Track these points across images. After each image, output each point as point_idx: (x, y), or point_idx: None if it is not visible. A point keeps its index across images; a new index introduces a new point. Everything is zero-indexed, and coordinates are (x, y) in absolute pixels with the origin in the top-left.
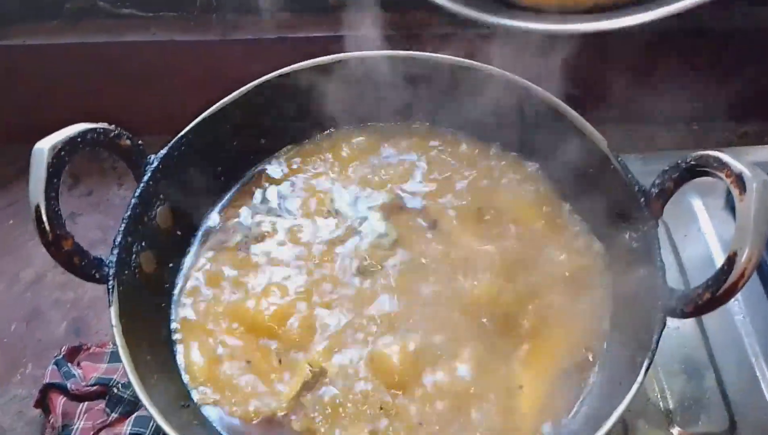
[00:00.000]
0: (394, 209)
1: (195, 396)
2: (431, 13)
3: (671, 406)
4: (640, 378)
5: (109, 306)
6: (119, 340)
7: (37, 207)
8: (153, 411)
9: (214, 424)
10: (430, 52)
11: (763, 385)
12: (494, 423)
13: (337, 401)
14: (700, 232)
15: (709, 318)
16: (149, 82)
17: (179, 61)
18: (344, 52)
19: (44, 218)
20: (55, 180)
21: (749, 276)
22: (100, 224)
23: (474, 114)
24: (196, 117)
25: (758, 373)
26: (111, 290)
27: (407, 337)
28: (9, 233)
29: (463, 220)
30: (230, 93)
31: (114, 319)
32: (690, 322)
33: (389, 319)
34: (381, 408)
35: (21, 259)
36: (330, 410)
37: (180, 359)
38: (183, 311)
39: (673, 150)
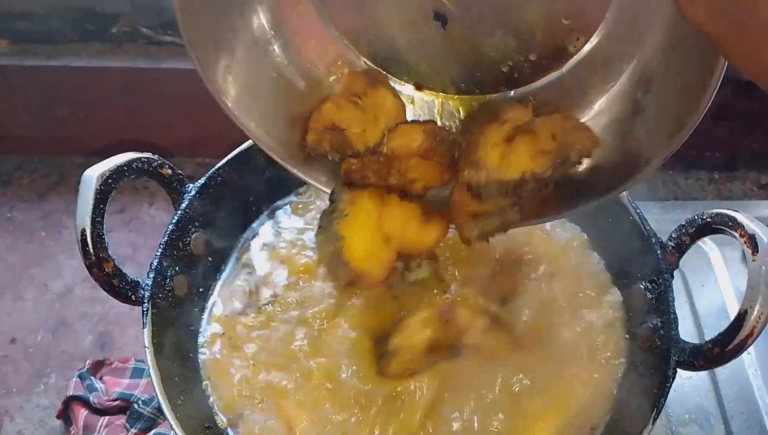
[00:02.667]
0: None
1: (218, 420)
2: None
3: None
4: (649, 428)
5: (143, 327)
6: (150, 361)
7: (83, 231)
8: (178, 431)
9: None
10: None
11: None
12: None
13: None
14: (716, 283)
15: (721, 369)
16: (184, 108)
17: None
18: None
19: (89, 241)
20: (102, 205)
21: (758, 334)
22: (130, 242)
23: None
24: (229, 144)
25: (767, 426)
26: (146, 313)
27: None
28: (41, 244)
29: None
30: None
31: (147, 341)
32: (702, 373)
33: None
34: None
35: (51, 270)
36: None
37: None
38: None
39: (694, 200)
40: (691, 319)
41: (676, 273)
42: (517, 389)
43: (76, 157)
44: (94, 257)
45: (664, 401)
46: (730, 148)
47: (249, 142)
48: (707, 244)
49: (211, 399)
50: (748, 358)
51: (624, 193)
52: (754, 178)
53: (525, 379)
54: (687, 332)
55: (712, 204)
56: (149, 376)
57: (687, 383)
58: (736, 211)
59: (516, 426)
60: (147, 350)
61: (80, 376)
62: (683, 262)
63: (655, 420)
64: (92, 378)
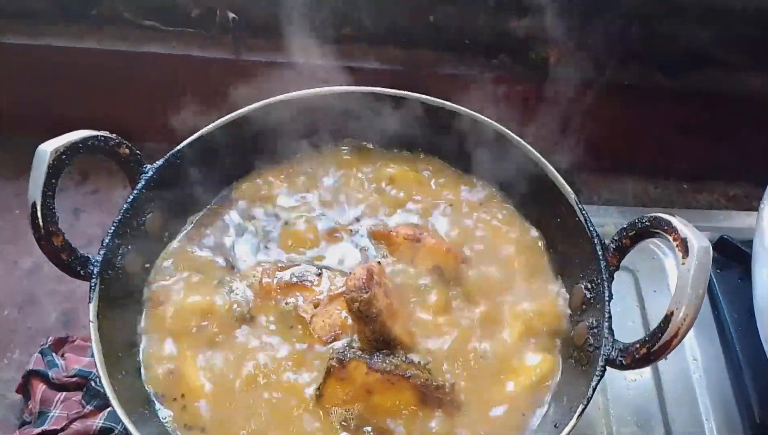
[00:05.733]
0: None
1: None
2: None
3: None
4: (572, 422)
5: (89, 302)
6: (93, 335)
7: (34, 204)
8: (114, 402)
9: (165, 424)
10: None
11: None
12: None
13: None
14: (668, 289)
15: (666, 374)
16: (161, 92)
17: (192, 75)
18: (347, 83)
19: (39, 214)
20: (54, 180)
21: (683, 335)
22: (101, 222)
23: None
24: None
25: (707, 432)
26: (93, 287)
27: None
28: (14, 222)
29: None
30: (233, 111)
31: (92, 315)
32: (648, 377)
33: None
34: None
35: (22, 248)
36: None
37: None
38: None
39: (659, 207)
40: (640, 323)
41: (629, 277)
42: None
43: (54, 137)
44: (43, 231)
45: (590, 397)
46: (699, 160)
47: (209, 127)
48: (662, 249)
49: (146, 375)
50: (693, 364)
51: (573, 196)
52: (721, 189)
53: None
54: (636, 336)
55: (676, 212)
56: None
57: (632, 386)
58: (673, 215)
59: None
60: (91, 324)
61: (42, 352)
62: (637, 266)
63: (579, 417)
64: (54, 354)
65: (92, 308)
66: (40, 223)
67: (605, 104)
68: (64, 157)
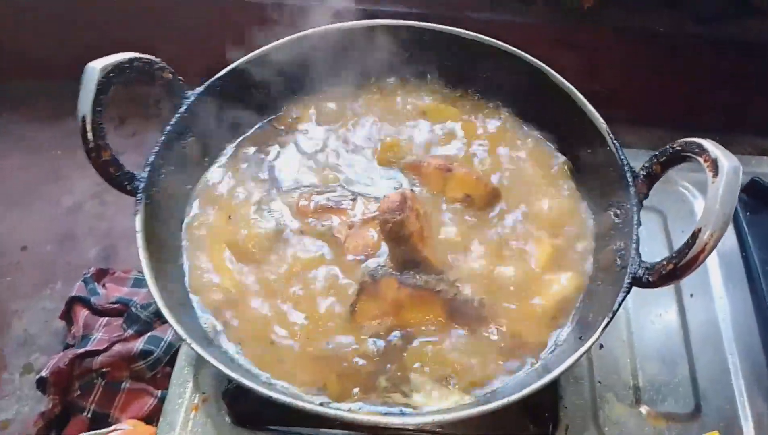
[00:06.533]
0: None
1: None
2: None
3: (641, 385)
4: (597, 334)
5: (135, 214)
6: (140, 242)
7: (84, 118)
8: (158, 299)
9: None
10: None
11: (732, 378)
12: None
13: None
14: None
15: (692, 312)
16: (200, 36)
17: (223, 15)
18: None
19: (88, 128)
20: (102, 96)
21: (709, 251)
22: (139, 163)
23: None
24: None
25: (730, 367)
26: (139, 201)
27: None
28: (56, 162)
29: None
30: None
31: (138, 225)
32: (673, 313)
33: None
34: None
35: (64, 187)
36: None
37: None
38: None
39: None
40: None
41: (658, 218)
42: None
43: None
44: (93, 144)
45: (615, 311)
46: (730, 112)
47: (244, 59)
48: (691, 191)
49: (188, 283)
50: (721, 305)
51: (604, 126)
52: (752, 141)
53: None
54: None
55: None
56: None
57: (658, 322)
58: (704, 139)
59: None
60: (138, 233)
61: (84, 281)
62: (667, 208)
63: (605, 328)
64: (95, 283)
65: (138, 220)
66: (90, 137)
67: (636, 52)
68: (111, 74)
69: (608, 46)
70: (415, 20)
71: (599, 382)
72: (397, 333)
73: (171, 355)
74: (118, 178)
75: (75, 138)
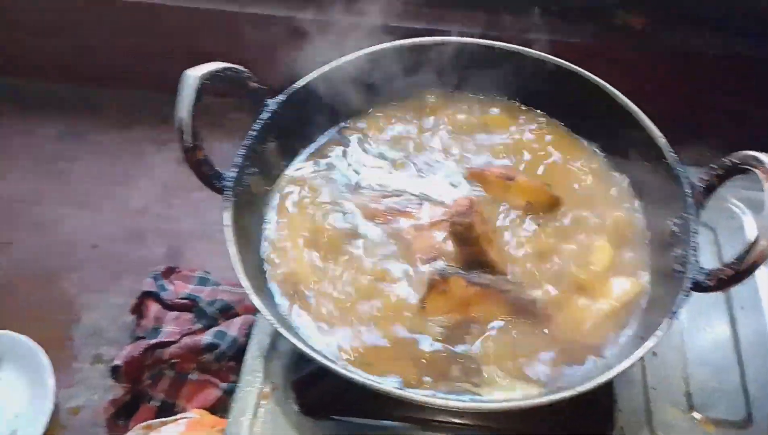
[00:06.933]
0: None
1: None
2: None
3: (693, 392)
4: (659, 334)
5: (224, 210)
6: (229, 235)
7: (181, 120)
8: (246, 284)
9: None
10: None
11: None
12: None
13: None
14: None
15: (743, 322)
16: (261, 51)
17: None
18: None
19: (186, 130)
20: (197, 102)
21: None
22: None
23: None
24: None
25: None
26: (228, 197)
27: None
28: (124, 167)
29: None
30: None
31: (227, 220)
32: (724, 323)
33: None
34: None
35: (132, 189)
36: None
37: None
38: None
39: None
40: None
41: (708, 233)
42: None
43: (162, 92)
44: (190, 144)
45: (676, 313)
46: None
47: (320, 70)
48: (740, 207)
49: (268, 274)
50: None
51: (663, 140)
52: None
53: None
54: None
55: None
56: (213, 284)
57: (709, 331)
58: (761, 153)
59: None
60: (226, 228)
61: (154, 277)
62: (717, 224)
63: (667, 329)
64: (164, 280)
65: (226, 215)
66: (188, 138)
67: (686, 72)
68: (207, 82)
69: (658, 65)
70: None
71: (653, 388)
72: (467, 327)
73: (235, 349)
74: (209, 177)
75: (141, 144)
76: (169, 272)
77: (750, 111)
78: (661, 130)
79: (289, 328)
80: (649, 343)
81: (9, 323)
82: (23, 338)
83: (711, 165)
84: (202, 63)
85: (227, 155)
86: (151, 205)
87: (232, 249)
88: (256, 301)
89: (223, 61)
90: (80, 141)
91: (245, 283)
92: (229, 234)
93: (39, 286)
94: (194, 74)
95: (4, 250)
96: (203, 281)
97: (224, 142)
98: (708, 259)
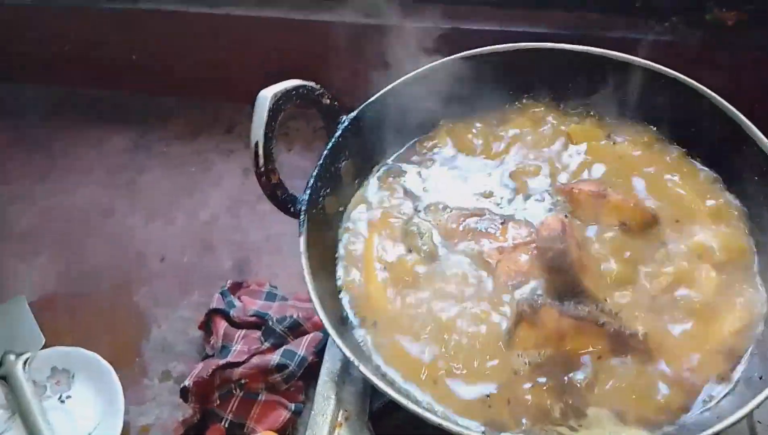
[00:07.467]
0: None
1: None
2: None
3: None
4: None
5: (299, 236)
6: (305, 262)
7: (257, 143)
8: (324, 319)
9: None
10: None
11: None
12: None
13: None
14: None
15: None
16: (328, 60)
17: (358, 42)
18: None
19: (260, 153)
20: (273, 123)
21: None
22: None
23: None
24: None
25: None
26: (302, 223)
27: None
28: (191, 178)
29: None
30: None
31: (302, 247)
32: None
33: None
34: None
35: (199, 200)
36: None
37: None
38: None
39: None
40: None
41: None
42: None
43: (228, 102)
44: (263, 168)
45: None
46: None
47: (395, 83)
48: None
49: (344, 301)
50: None
51: None
52: None
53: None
54: None
55: None
56: (281, 299)
57: None
58: None
59: None
60: (302, 254)
61: (222, 293)
62: None
63: None
64: (232, 296)
65: (302, 241)
66: (262, 162)
67: None
68: (280, 102)
69: (751, 65)
70: (549, 40)
71: (759, 422)
72: (563, 362)
73: (304, 369)
74: (283, 201)
75: (208, 154)
76: (237, 287)
77: None
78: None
79: (368, 362)
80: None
81: (81, 338)
82: (95, 356)
83: None
84: (270, 72)
85: (289, 166)
86: (219, 217)
87: (310, 282)
88: (336, 338)
89: (293, 73)
90: (149, 151)
91: (325, 320)
92: (305, 263)
93: (110, 299)
94: (267, 94)
95: (77, 262)
96: (271, 296)
97: (284, 152)
98: None
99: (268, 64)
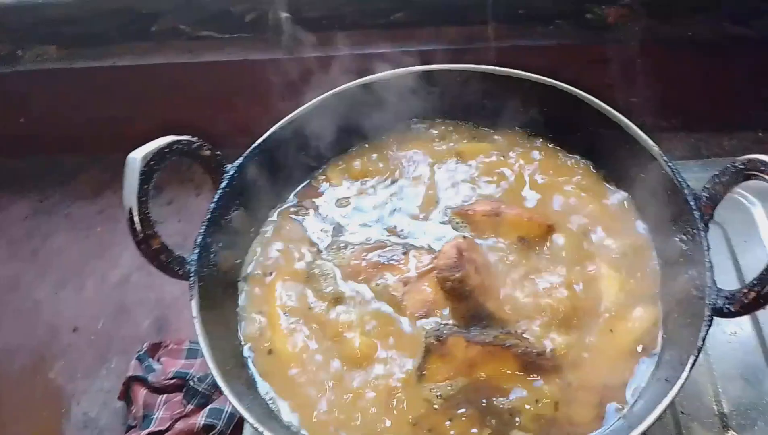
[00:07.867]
0: None
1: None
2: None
3: (726, 410)
4: (684, 374)
5: (191, 299)
6: (199, 329)
7: (130, 210)
8: (228, 393)
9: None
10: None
11: None
12: None
13: None
14: (760, 238)
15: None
16: (225, 98)
17: (250, 78)
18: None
19: (136, 220)
20: (146, 185)
21: None
22: (180, 231)
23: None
24: (267, 129)
25: None
26: (192, 285)
27: None
28: (99, 238)
29: None
30: (297, 108)
31: (195, 311)
32: (748, 329)
33: None
34: None
35: (109, 261)
36: None
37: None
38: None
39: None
40: (734, 275)
41: (717, 229)
42: None
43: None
44: (141, 235)
45: (700, 347)
46: None
47: (280, 124)
48: (748, 199)
49: (250, 366)
50: None
51: (656, 149)
52: None
53: None
54: (732, 288)
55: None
56: (203, 355)
57: (733, 339)
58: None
59: None
60: (195, 320)
61: (139, 358)
62: (725, 219)
63: (691, 369)
64: (150, 359)
65: (194, 305)
66: (138, 228)
67: (670, 60)
68: (152, 162)
69: (641, 57)
70: (450, 56)
71: (682, 413)
72: (483, 389)
73: (233, 425)
74: (169, 265)
75: (114, 211)
76: (155, 349)
77: (742, 91)
78: (655, 121)
79: (272, 418)
80: (675, 388)
81: None
82: None
83: (715, 172)
84: (168, 121)
85: (199, 212)
86: (131, 275)
87: (205, 347)
88: (234, 401)
89: (184, 121)
90: (53, 215)
91: (222, 383)
92: (199, 327)
93: (24, 380)
94: (137, 156)
95: None
96: (192, 353)
97: (193, 196)
98: (722, 260)
99: (170, 112)
